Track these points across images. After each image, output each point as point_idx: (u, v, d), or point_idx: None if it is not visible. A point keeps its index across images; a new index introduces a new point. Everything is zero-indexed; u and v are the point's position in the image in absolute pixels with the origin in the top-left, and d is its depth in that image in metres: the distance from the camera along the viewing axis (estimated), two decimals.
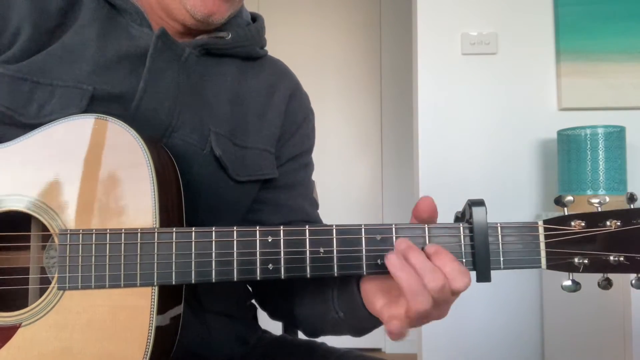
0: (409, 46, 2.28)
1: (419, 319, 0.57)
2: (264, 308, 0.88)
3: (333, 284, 0.71)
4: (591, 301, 1.60)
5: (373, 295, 0.63)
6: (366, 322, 0.67)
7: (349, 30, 3.09)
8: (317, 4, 3.09)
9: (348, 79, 3.07)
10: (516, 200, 2.01)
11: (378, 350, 2.99)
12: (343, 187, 3.02)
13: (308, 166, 0.90)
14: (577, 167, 1.74)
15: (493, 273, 0.58)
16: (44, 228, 0.62)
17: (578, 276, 0.59)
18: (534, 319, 2.00)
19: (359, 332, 0.72)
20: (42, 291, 0.61)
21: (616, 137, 1.73)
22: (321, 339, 0.85)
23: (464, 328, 2.00)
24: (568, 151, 1.78)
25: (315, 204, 0.90)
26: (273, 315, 0.86)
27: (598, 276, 0.59)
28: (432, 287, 0.54)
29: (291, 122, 0.85)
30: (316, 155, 0.91)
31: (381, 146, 3.06)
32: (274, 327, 0.90)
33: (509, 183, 2.02)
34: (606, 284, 0.58)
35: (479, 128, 2.04)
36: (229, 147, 0.75)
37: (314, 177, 0.93)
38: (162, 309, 0.60)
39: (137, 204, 0.61)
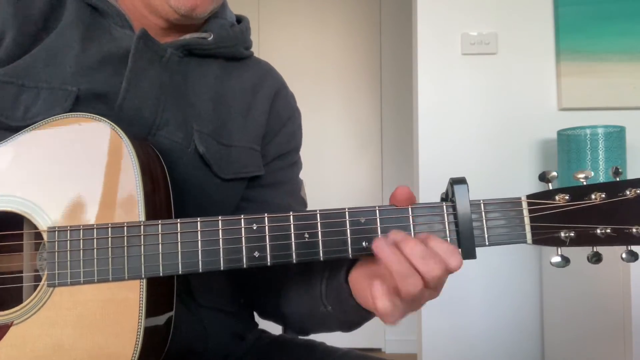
0: (409, 46, 2.28)
1: (413, 301, 0.56)
2: (253, 307, 0.87)
3: (321, 278, 0.71)
4: (591, 300, 1.60)
5: (362, 282, 0.62)
6: (354, 315, 0.67)
7: (349, 30, 3.09)
8: (317, 5, 3.10)
9: (348, 80, 3.08)
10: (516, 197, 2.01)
11: (378, 350, 2.99)
12: (343, 187, 3.02)
13: (295, 165, 0.90)
14: (577, 167, 1.74)
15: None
16: (36, 227, 0.62)
17: (567, 253, 0.58)
18: (533, 319, 1.99)
19: (348, 326, 0.71)
20: (35, 290, 0.62)
21: (616, 137, 1.72)
22: (321, 339, 0.85)
23: (464, 328, 2.00)
24: (568, 151, 1.77)
25: (303, 203, 0.90)
26: (262, 314, 0.86)
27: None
28: (424, 270, 0.54)
29: (276, 120, 0.85)
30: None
31: (381, 146, 3.06)
32: (273, 327, 0.89)
33: (509, 183, 2.02)
34: (596, 259, 0.58)
35: (479, 128, 2.04)
36: (213, 146, 0.76)
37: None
38: (152, 302, 0.61)
39: (123, 198, 0.61)
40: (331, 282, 0.69)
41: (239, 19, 0.88)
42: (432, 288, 0.56)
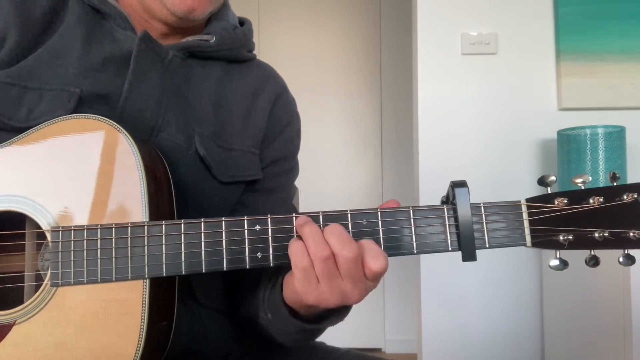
0: (409, 46, 2.28)
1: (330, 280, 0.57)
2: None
3: (267, 283, 0.71)
4: (591, 300, 1.60)
5: (289, 281, 0.63)
6: (289, 325, 0.67)
7: (349, 30, 3.10)
8: (317, 5, 3.10)
9: (348, 79, 3.08)
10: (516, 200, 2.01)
11: (378, 350, 2.99)
12: (343, 187, 3.02)
13: (291, 171, 0.90)
14: (577, 167, 1.74)
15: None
16: (38, 227, 0.62)
17: (566, 256, 0.59)
18: (533, 319, 1.99)
19: (286, 337, 0.71)
20: (37, 290, 0.62)
21: (616, 137, 1.73)
22: (320, 339, 0.85)
23: (463, 328, 2.00)
24: (568, 151, 1.78)
25: (293, 212, 0.90)
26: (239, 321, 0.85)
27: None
28: (314, 252, 0.56)
29: (275, 125, 0.85)
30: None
31: (381, 146, 3.07)
32: None
33: (509, 183, 2.02)
34: (594, 262, 0.59)
35: (479, 128, 2.04)
36: (213, 148, 0.76)
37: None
38: (154, 302, 0.61)
39: (128, 200, 0.61)
40: (273, 289, 0.69)
41: (242, 22, 0.88)
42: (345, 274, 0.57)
